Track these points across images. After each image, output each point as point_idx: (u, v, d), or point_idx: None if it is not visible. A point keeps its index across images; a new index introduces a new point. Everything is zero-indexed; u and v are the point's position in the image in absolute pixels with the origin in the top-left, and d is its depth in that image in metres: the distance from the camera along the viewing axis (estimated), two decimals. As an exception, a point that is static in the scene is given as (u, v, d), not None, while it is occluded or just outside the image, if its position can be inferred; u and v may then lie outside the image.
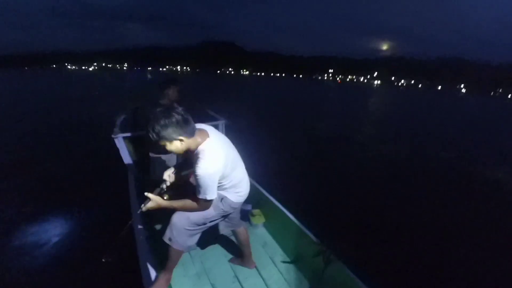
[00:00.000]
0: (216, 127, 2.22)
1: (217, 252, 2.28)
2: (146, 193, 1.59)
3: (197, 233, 1.77)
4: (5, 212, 3.77)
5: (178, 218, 1.67)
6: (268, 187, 2.89)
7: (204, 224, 1.74)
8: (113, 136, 3.56)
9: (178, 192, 1.73)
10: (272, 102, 21.44)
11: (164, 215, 1.74)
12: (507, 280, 2.95)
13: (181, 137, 1.45)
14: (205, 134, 1.56)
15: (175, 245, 1.68)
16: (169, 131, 1.41)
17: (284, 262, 2.19)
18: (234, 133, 2.83)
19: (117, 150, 3.86)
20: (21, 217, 3.61)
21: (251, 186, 1.85)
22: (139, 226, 2.11)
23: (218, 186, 1.63)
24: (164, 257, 1.74)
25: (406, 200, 4.67)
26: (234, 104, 16.52)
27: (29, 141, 7.33)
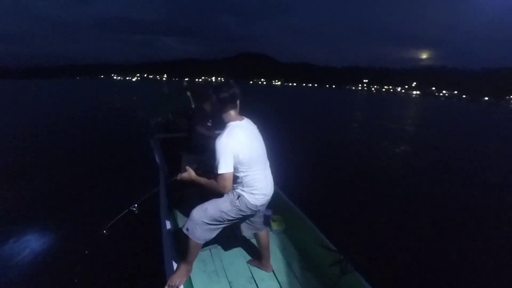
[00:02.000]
0: None
1: (236, 252, 2.34)
2: (186, 166, 1.84)
3: (215, 229, 1.81)
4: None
5: (196, 211, 1.76)
6: (289, 194, 2.95)
7: (222, 220, 1.78)
8: (150, 138, 3.89)
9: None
10: (301, 111, 21.63)
11: (189, 208, 1.88)
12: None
13: (216, 104, 1.72)
14: (240, 118, 1.78)
15: (191, 236, 1.74)
16: (212, 94, 1.71)
17: (301, 268, 2.21)
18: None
19: (151, 150, 4.20)
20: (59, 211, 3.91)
21: (273, 191, 1.95)
22: (165, 220, 2.27)
23: (235, 179, 1.73)
24: (185, 250, 1.81)
25: (428, 216, 4.44)
26: (262, 112, 16.80)
27: (69, 142, 8.21)
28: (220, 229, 1.84)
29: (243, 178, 1.74)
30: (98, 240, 2.89)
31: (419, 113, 28.25)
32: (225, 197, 1.78)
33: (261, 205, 1.84)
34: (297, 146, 8.75)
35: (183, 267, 1.83)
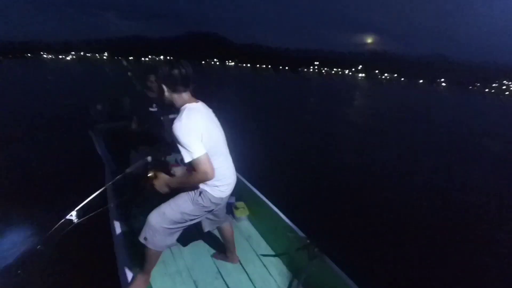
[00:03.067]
0: None
1: (199, 248, 2.19)
2: (150, 174, 1.62)
3: (176, 232, 1.66)
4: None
5: (153, 217, 1.57)
6: (252, 179, 2.80)
7: (184, 221, 1.62)
8: (90, 129, 3.36)
9: (160, 169, 1.68)
10: (257, 95, 21.17)
11: (144, 210, 1.68)
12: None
13: (166, 84, 1.49)
14: (195, 100, 1.57)
15: (151, 245, 1.58)
16: (162, 73, 1.47)
17: (268, 256, 2.15)
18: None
19: (92, 143, 3.66)
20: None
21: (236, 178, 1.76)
22: (116, 223, 2.03)
23: None
24: (142, 257, 1.64)
25: (391, 195, 4.63)
26: (218, 95, 16.18)
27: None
28: (181, 231, 1.69)
29: None
30: (33, 257, 2.51)
31: (367, 97, 30.03)
32: (185, 196, 1.60)
33: (225, 197, 1.69)
34: (257, 131, 8.38)
35: (141, 277, 1.68)
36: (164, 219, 1.56)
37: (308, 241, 1.86)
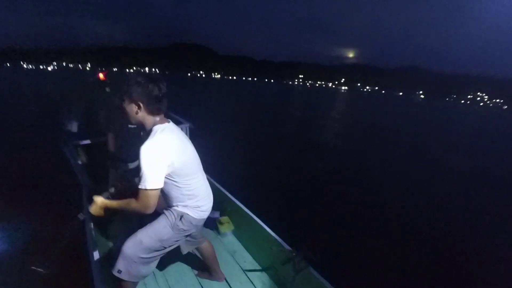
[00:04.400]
0: None
1: (182, 267, 2.11)
2: (93, 197, 1.52)
3: (153, 260, 1.56)
4: None
5: (129, 247, 1.46)
6: (236, 193, 2.76)
7: (162, 248, 1.53)
8: (64, 144, 3.08)
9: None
10: (242, 107, 21.43)
11: (120, 231, 1.65)
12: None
13: (141, 104, 1.34)
14: (165, 120, 1.44)
15: (126, 277, 1.47)
16: (137, 90, 1.32)
17: (254, 270, 2.13)
18: (199, 139, 2.60)
19: (66, 160, 3.33)
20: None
21: (218, 192, 1.82)
22: (92, 247, 1.94)
23: (176, 195, 1.48)
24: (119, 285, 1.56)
25: (376, 203, 4.80)
26: (202, 107, 16.24)
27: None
28: (158, 258, 1.59)
29: (185, 190, 1.47)
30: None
31: (347, 108, 30.97)
32: (163, 221, 1.50)
33: (204, 218, 1.62)
34: (239, 143, 8.59)
35: None
36: (140, 248, 1.46)
37: (293, 253, 1.82)
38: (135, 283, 1.56)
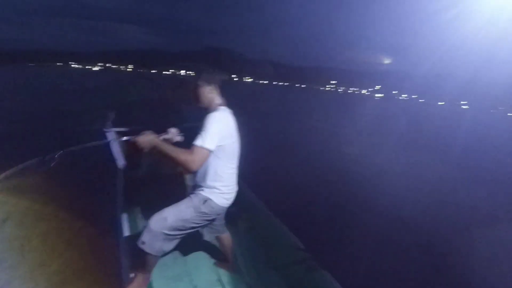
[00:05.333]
0: None
1: (201, 254, 2.18)
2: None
3: (175, 239, 1.64)
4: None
5: (154, 221, 1.56)
6: (255, 190, 2.81)
7: (184, 229, 1.61)
8: (105, 129, 3.54)
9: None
10: (271, 111, 21.19)
11: (148, 210, 1.71)
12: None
13: (214, 86, 1.62)
14: (224, 106, 1.67)
15: (148, 249, 1.56)
16: (213, 75, 1.63)
17: (267, 268, 2.15)
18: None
19: (107, 144, 3.83)
20: None
21: (241, 186, 1.81)
22: (122, 221, 2.08)
23: (210, 173, 1.59)
24: (143, 260, 1.65)
25: (398, 207, 4.60)
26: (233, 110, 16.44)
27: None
28: (180, 238, 1.67)
29: (220, 171, 1.60)
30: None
31: (383, 118, 29.65)
32: (188, 203, 1.61)
33: (227, 206, 1.72)
34: (271, 144, 8.58)
35: (140, 277, 1.67)
36: (164, 225, 1.55)
37: (307, 254, 1.84)
38: (156, 257, 1.64)
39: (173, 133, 1.99)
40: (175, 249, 2.01)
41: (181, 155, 1.42)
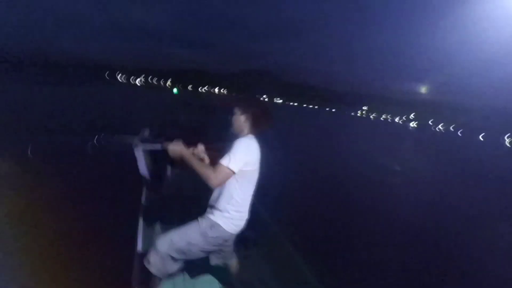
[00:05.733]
0: None
1: (209, 278, 2.14)
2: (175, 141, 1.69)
3: (179, 261, 1.66)
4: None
5: (161, 243, 1.59)
6: (274, 215, 2.81)
7: (190, 252, 1.61)
8: (134, 145, 3.71)
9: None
10: (299, 133, 21.54)
11: (169, 224, 1.78)
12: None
13: (254, 119, 1.64)
14: (252, 135, 1.68)
15: (153, 270, 1.59)
16: (259, 109, 1.68)
17: None
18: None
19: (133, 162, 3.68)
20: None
21: (257, 211, 1.88)
22: (140, 237, 2.17)
23: (224, 196, 1.61)
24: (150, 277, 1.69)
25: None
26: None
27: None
28: (185, 260, 1.69)
29: (236, 195, 1.60)
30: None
31: (417, 147, 28.44)
32: (196, 227, 1.62)
33: (235, 234, 1.69)
34: (294, 169, 8.29)
35: None
36: (170, 247, 1.57)
37: None
38: (161, 278, 1.67)
39: (200, 150, 2.01)
40: (185, 270, 2.06)
41: (205, 169, 1.50)
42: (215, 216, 1.61)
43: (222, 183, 1.53)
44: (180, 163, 1.64)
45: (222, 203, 1.61)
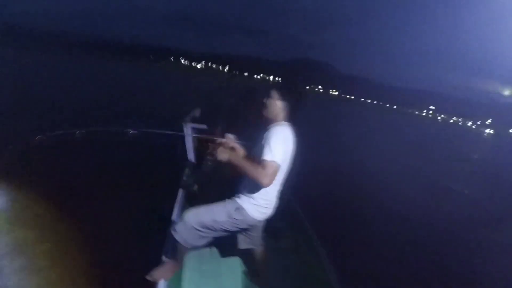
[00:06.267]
0: None
1: (236, 260, 2.14)
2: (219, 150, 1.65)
3: (204, 237, 1.68)
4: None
5: (189, 214, 1.66)
6: (306, 209, 2.78)
7: (213, 229, 1.64)
8: (185, 123, 3.51)
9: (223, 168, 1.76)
10: (351, 129, 19.92)
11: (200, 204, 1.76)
12: None
13: (286, 104, 1.62)
14: (287, 123, 1.65)
15: (177, 237, 1.65)
16: (291, 93, 1.64)
17: None
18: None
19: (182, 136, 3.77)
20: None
21: (289, 203, 1.92)
22: (177, 209, 2.27)
23: (251, 186, 1.60)
24: (175, 247, 1.74)
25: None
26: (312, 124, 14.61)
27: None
28: (210, 238, 1.71)
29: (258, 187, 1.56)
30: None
31: (491, 156, 24.82)
32: (223, 206, 1.65)
33: (262, 220, 1.70)
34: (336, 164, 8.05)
35: (169, 264, 1.78)
36: (196, 220, 1.61)
37: None
38: (186, 249, 1.71)
39: (231, 138, 1.97)
40: (216, 248, 2.13)
41: (254, 170, 1.45)
42: (242, 200, 1.63)
43: (274, 179, 1.47)
44: (227, 166, 1.60)
45: (249, 189, 1.61)
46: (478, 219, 6.26)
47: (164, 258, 1.80)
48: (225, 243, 1.87)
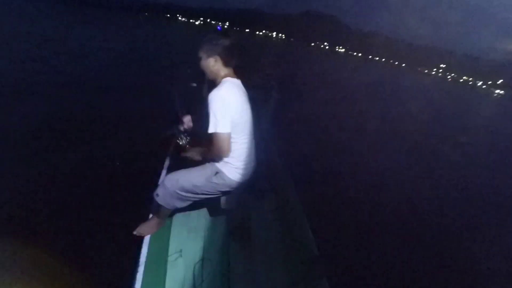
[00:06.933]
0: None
1: (221, 218, 2.17)
2: (181, 142, 1.84)
3: (186, 200, 1.69)
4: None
5: (168, 180, 1.64)
6: (292, 168, 2.74)
7: (195, 193, 1.65)
8: (175, 87, 3.54)
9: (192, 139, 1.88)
10: (356, 87, 18.51)
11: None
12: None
13: (217, 56, 1.52)
14: (235, 77, 1.60)
15: (161, 202, 1.67)
16: (212, 45, 1.52)
17: (276, 253, 2.02)
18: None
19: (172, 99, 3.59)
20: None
21: (271, 162, 1.91)
22: (164, 171, 2.34)
23: None
24: (158, 207, 1.81)
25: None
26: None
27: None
28: (192, 201, 1.73)
29: (234, 146, 1.56)
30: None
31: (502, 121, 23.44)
32: (200, 171, 1.62)
33: (241, 182, 1.67)
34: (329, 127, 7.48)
35: (154, 220, 1.83)
36: (176, 185, 1.60)
37: (316, 257, 1.80)
38: (168, 210, 1.75)
39: (188, 121, 2.11)
40: (204, 207, 2.15)
41: (207, 153, 1.58)
42: (220, 164, 1.60)
43: (227, 148, 1.49)
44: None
45: None
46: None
47: (151, 216, 1.90)
48: (214, 204, 1.95)
